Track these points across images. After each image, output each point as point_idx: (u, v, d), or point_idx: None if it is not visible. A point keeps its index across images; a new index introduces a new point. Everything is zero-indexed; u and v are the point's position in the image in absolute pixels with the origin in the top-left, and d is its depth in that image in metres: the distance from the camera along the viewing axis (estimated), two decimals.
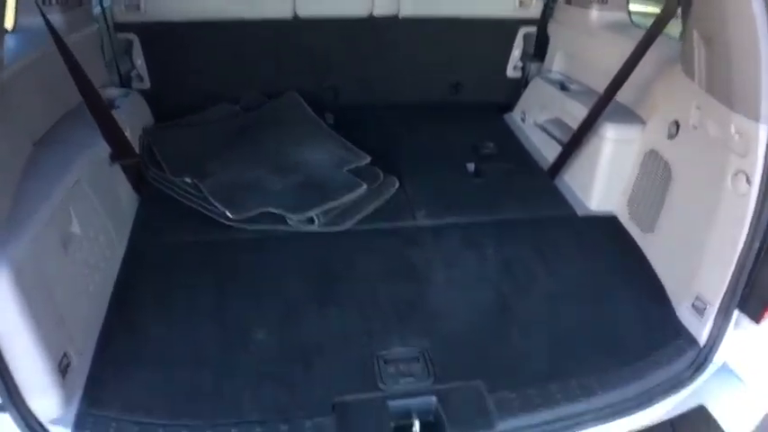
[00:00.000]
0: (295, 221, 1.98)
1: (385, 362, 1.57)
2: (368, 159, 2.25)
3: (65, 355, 1.41)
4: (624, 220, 2.14)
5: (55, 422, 1.35)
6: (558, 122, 2.42)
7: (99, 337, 1.60)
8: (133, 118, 2.23)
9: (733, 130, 1.54)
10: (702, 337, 1.65)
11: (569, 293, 1.85)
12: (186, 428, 1.38)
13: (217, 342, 1.60)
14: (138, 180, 2.12)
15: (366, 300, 1.77)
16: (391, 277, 1.86)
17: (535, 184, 2.35)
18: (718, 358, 1.63)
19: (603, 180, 2.19)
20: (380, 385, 1.50)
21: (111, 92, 2.32)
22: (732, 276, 1.55)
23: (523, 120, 2.81)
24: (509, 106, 2.99)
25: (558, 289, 1.86)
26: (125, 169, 2.02)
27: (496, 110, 2.99)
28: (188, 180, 2.07)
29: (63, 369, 1.38)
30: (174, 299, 1.73)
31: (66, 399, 1.37)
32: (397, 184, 2.21)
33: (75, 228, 1.58)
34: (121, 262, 1.84)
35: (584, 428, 1.50)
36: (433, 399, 1.47)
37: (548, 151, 2.52)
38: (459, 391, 1.51)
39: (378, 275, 1.86)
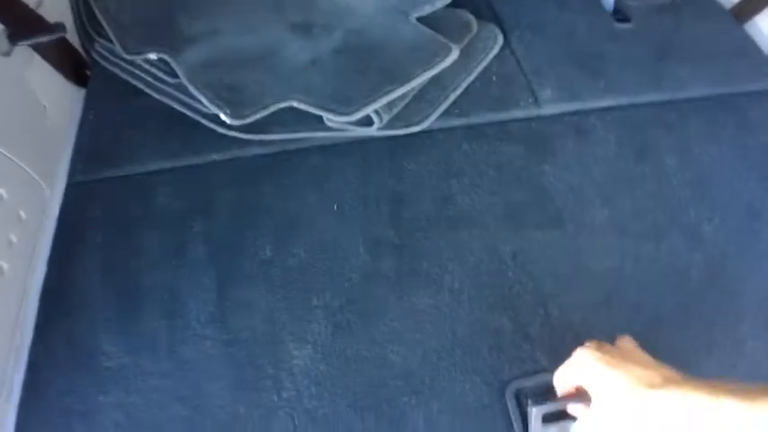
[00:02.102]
0: (339, 122, 1.13)
1: (528, 398, 0.84)
2: None
3: None
4: None
5: None
6: None
7: (26, 379, 0.90)
8: None
9: None
10: None
11: None
12: None
13: (223, 374, 0.89)
14: (74, 63, 1.26)
15: (478, 267, 1.01)
16: (514, 218, 1.07)
17: (715, 32, 1.41)
18: None
19: None
20: None
21: None
22: None
23: None
24: None
25: None
26: (44, 53, 1.16)
27: None
28: (153, 56, 1.21)
29: None
30: (139, 295, 0.99)
31: None
32: (501, 40, 1.31)
33: None
34: (56, 226, 1.07)
35: None
36: None
37: None
38: None
39: (492, 216, 1.07)
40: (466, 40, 1.27)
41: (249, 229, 1.06)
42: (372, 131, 1.16)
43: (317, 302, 0.97)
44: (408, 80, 1.15)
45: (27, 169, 1.05)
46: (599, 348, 0.67)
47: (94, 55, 1.31)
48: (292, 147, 1.17)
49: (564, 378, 0.74)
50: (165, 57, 1.21)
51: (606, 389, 0.64)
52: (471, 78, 1.24)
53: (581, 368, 0.69)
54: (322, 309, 0.96)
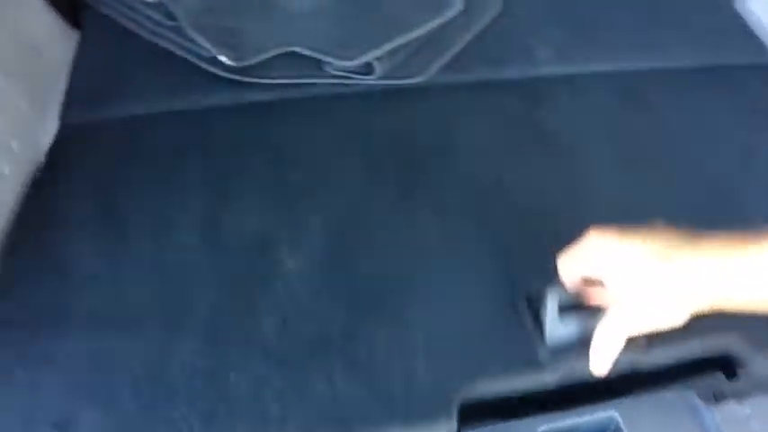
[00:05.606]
0: (339, 69, 1.12)
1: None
2: None
3: None
4: None
5: None
6: None
7: None
8: None
9: None
10: None
11: None
12: None
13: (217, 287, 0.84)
14: (69, 3, 1.25)
15: (483, 193, 0.99)
16: (517, 155, 1.05)
17: (709, 10, 1.45)
18: None
19: None
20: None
21: None
22: None
23: None
24: None
25: None
26: None
27: None
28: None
29: None
30: (125, 215, 0.94)
31: None
32: (501, 3, 1.34)
33: None
34: (46, 160, 1.04)
35: None
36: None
37: None
38: None
39: (494, 153, 1.05)
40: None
41: (246, 162, 1.03)
42: (372, 80, 1.15)
43: (314, 216, 0.92)
44: (413, 29, 1.15)
45: (21, 102, 1.02)
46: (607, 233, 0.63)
47: None
48: (291, 94, 1.15)
49: (572, 268, 0.69)
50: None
51: (629, 269, 0.59)
52: (471, 36, 1.25)
53: (593, 252, 0.64)
54: (319, 221, 0.92)
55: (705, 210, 0.96)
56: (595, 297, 0.72)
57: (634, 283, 0.62)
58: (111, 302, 0.83)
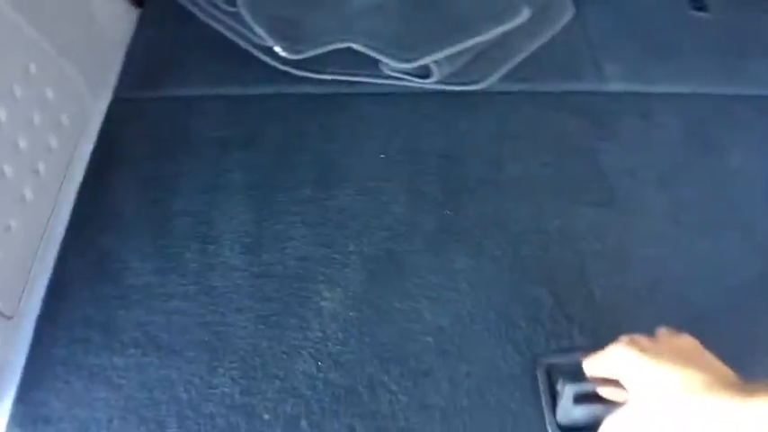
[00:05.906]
0: (396, 70, 1.09)
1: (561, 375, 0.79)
2: None
3: None
4: None
5: None
6: None
7: (49, 285, 0.90)
8: None
9: None
10: None
11: None
12: None
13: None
14: None
15: (522, 236, 0.97)
16: (565, 192, 1.03)
17: None
18: None
19: None
20: None
21: None
22: None
23: None
24: None
25: None
26: None
27: None
28: None
29: None
30: (173, 218, 0.98)
31: None
32: (572, 10, 1.25)
33: None
34: (97, 138, 1.05)
35: None
36: None
37: None
38: None
39: (542, 187, 1.03)
40: (538, 4, 1.21)
41: (290, 165, 1.03)
42: (429, 84, 1.11)
43: (353, 247, 0.94)
44: (476, 34, 1.10)
45: (76, 76, 1.03)
46: (635, 343, 0.64)
47: None
48: (344, 90, 1.13)
49: (595, 369, 0.71)
50: None
51: (648, 387, 0.61)
52: (538, 44, 1.18)
53: (617, 362, 0.66)
54: (357, 254, 0.93)
55: (756, 296, 0.93)
56: (612, 393, 0.75)
57: (649, 397, 0.64)
58: (158, 319, 0.88)
